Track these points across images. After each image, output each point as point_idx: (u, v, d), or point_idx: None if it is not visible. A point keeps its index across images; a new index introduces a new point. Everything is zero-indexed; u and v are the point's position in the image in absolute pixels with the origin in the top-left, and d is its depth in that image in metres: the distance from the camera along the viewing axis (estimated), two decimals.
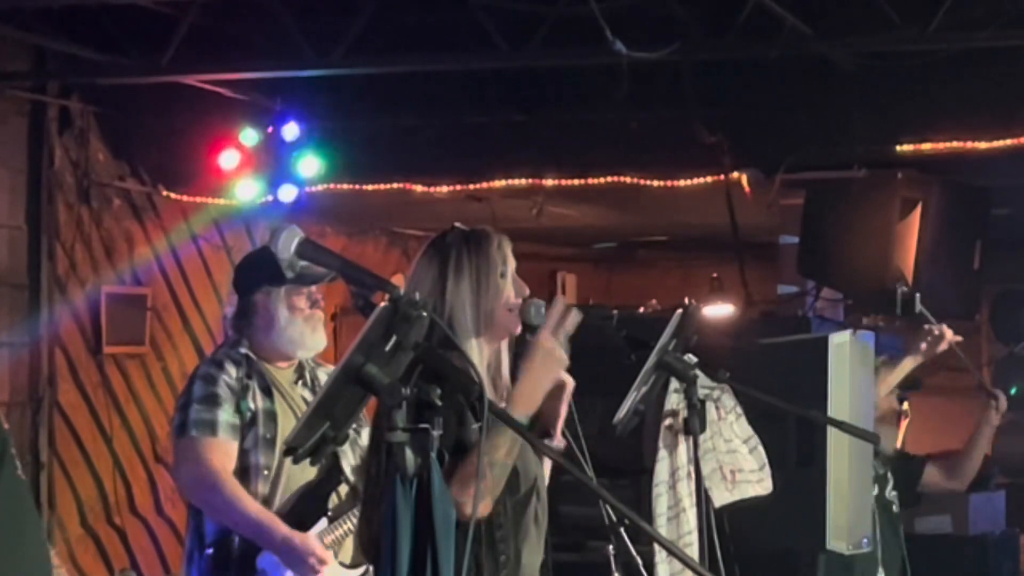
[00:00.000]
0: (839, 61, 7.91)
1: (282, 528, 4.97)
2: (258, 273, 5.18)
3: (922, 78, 8.01)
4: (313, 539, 5.00)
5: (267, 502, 5.05)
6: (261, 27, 8.15)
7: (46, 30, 8.36)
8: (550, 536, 3.84)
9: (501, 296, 3.79)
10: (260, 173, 9.00)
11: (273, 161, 8.98)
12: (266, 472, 5.06)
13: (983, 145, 8.13)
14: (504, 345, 3.86)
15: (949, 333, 6.49)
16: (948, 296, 8.69)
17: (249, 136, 8.95)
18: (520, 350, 4.32)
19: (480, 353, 3.76)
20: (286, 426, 5.05)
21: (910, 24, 7.32)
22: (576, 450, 4.15)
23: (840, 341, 6.47)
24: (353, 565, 5.20)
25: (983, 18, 7.25)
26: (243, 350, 5.15)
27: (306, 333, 5.16)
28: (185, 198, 9.62)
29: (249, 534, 4.98)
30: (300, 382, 5.24)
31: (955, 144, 8.20)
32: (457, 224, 3.89)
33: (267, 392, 5.12)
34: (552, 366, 3.62)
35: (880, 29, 7.38)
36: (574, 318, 3.68)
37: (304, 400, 5.17)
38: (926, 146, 8.27)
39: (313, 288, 5.16)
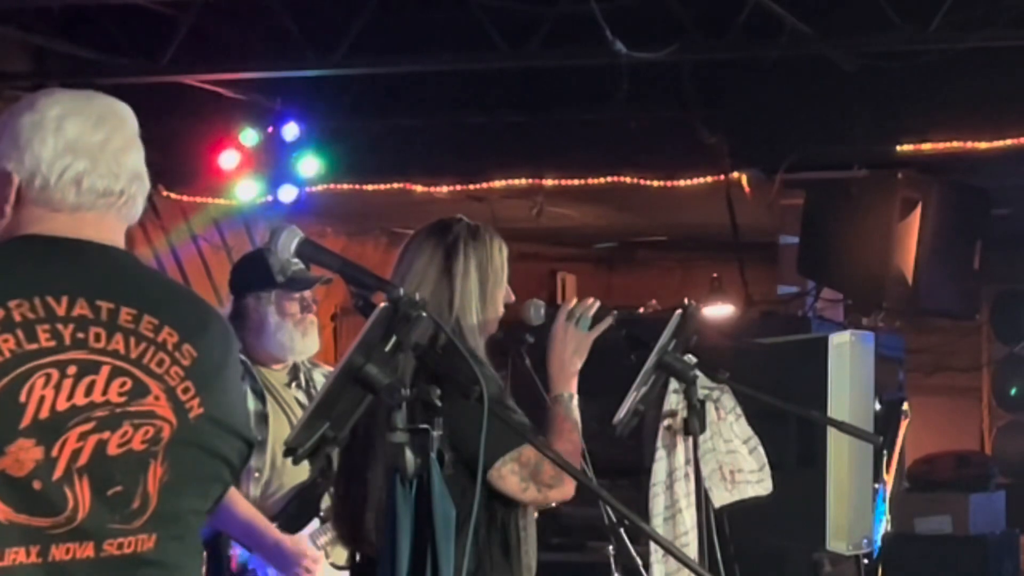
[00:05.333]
0: (839, 61, 7.90)
1: (273, 532, 4.96)
2: (249, 277, 5.17)
3: (922, 78, 8.01)
4: (304, 542, 4.99)
5: (259, 504, 5.04)
6: (261, 27, 8.15)
7: (46, 30, 8.36)
8: (550, 536, 3.85)
9: (499, 298, 3.82)
10: (260, 173, 9.00)
11: (273, 161, 8.98)
12: (257, 474, 5.05)
13: (983, 145, 8.13)
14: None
15: None
16: (948, 296, 8.70)
17: (249, 136, 8.95)
18: (518, 348, 4.33)
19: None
20: (278, 428, 5.03)
21: (910, 24, 7.32)
22: None
23: (840, 341, 6.47)
24: (346, 567, 5.18)
25: (983, 18, 7.25)
26: None
27: (296, 338, 5.13)
28: (185, 198, 9.62)
29: (240, 537, 4.98)
30: (294, 384, 5.22)
31: (955, 144, 8.20)
32: (462, 217, 3.91)
33: (259, 394, 5.10)
34: (569, 341, 3.89)
35: (880, 29, 7.38)
36: (588, 306, 3.95)
37: (298, 402, 5.16)
38: (926, 146, 8.27)
39: (306, 292, 5.14)
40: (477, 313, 3.79)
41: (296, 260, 4.90)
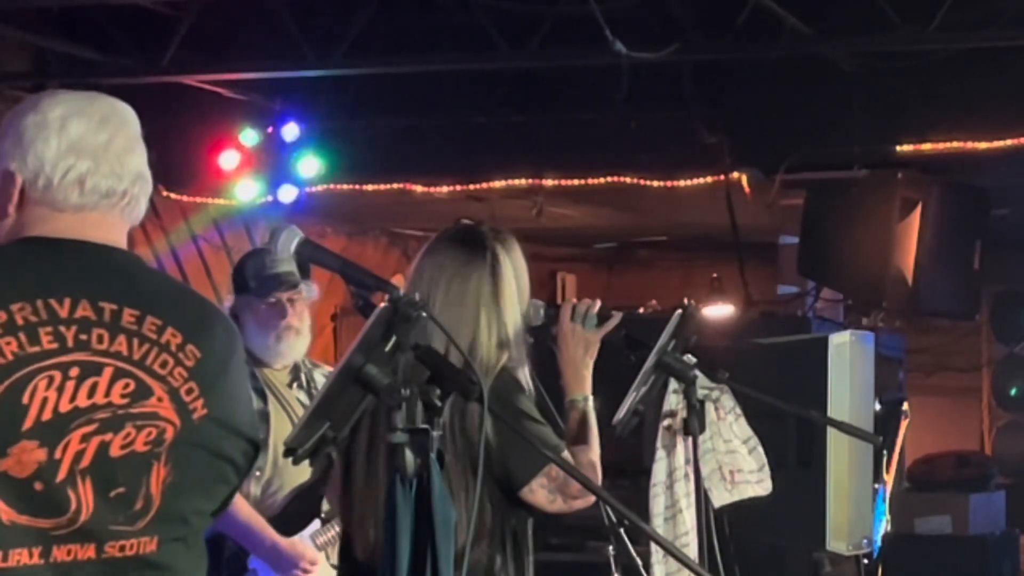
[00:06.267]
0: (839, 61, 7.91)
1: (271, 534, 4.96)
2: (233, 280, 5.22)
3: (922, 78, 8.01)
4: (302, 544, 4.99)
5: (260, 503, 5.04)
6: (261, 27, 8.15)
7: (46, 30, 8.36)
8: (550, 536, 3.86)
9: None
10: (260, 173, 9.00)
11: (273, 161, 8.98)
12: (258, 473, 5.05)
13: (983, 145, 8.13)
14: None
15: None
16: (948, 296, 8.70)
17: (249, 136, 8.95)
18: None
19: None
20: (279, 428, 5.03)
21: (910, 24, 7.32)
22: None
23: (840, 341, 6.47)
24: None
25: (983, 18, 7.26)
26: None
27: (270, 343, 5.13)
28: (185, 198, 9.62)
29: (238, 537, 4.98)
30: (295, 384, 5.22)
31: (955, 144, 8.21)
32: (487, 224, 3.94)
33: (260, 394, 5.10)
34: (578, 345, 3.89)
35: (880, 29, 7.39)
36: (590, 305, 3.95)
37: (299, 402, 5.16)
38: (926, 146, 8.27)
39: (283, 296, 5.11)
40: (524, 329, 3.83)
41: (272, 265, 4.90)
